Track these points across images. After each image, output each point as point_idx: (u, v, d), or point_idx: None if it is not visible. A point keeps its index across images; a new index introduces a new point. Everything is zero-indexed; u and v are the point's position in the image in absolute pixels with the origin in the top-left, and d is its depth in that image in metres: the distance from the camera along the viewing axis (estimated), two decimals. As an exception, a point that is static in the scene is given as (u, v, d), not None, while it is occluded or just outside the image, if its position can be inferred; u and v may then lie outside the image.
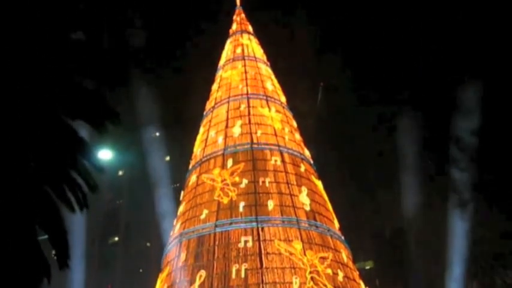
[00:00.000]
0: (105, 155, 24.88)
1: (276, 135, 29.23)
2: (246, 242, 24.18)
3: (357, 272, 27.04)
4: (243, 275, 23.06)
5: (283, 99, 32.74)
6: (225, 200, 26.11)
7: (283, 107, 31.92)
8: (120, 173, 72.64)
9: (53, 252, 9.80)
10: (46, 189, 9.34)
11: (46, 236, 9.72)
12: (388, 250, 67.42)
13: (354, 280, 25.62)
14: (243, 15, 38.52)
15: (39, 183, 9.08)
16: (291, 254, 23.85)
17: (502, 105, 39.00)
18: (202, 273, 23.70)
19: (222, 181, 26.92)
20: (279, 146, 28.67)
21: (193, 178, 28.86)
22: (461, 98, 39.40)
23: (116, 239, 71.96)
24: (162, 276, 26.23)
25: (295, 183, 27.25)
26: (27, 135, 8.85)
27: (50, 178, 9.40)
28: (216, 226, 25.24)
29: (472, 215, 36.98)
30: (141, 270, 66.74)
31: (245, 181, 26.60)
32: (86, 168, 9.62)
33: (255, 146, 28.30)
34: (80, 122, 9.84)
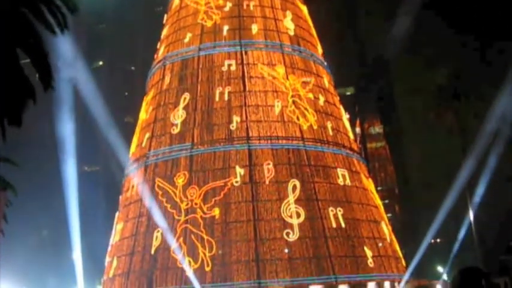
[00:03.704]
0: (83, -25, 23.96)
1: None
2: (229, 65, 24.35)
3: (338, 97, 27.69)
4: (226, 98, 23.56)
5: None
6: (209, 23, 25.78)
7: None
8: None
9: (37, 75, 9.87)
10: (23, 11, 9.15)
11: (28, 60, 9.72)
12: (369, 78, 68.55)
13: (334, 105, 26.32)
14: None
15: (15, 5, 8.87)
16: (273, 78, 24.17)
17: None
18: (187, 95, 24.15)
19: (205, 4, 26.35)
20: (264, -32, 27.65)
21: (176, 1, 28.17)
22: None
23: (100, 63, 71.77)
24: (147, 99, 26.68)
25: (280, 7, 26.77)
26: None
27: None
28: (199, 49, 25.21)
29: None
30: (126, 94, 67.69)
31: (229, 4, 26.05)
32: (63, -11, 9.33)
33: (239, -33, 27.28)
34: None
